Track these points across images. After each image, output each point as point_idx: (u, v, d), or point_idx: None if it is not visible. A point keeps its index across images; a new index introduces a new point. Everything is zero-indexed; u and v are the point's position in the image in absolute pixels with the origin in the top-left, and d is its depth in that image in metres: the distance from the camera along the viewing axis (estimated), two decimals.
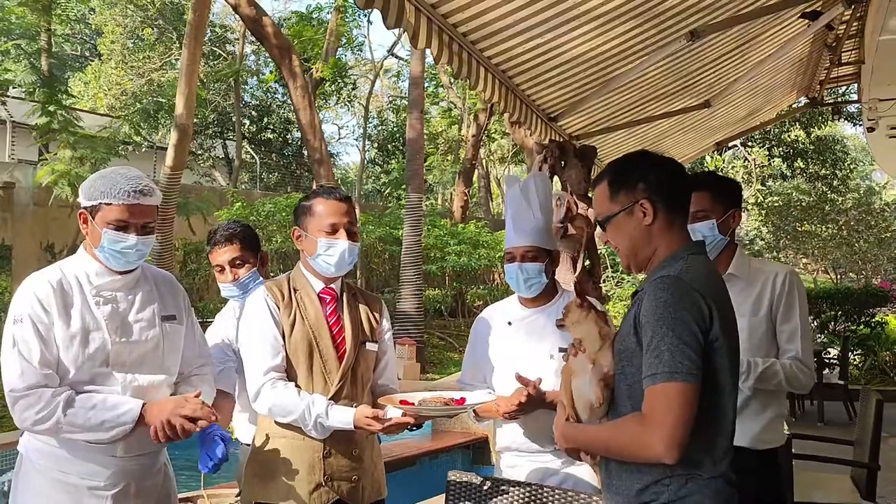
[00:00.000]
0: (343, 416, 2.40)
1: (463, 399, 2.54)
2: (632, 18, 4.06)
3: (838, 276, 20.76)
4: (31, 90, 16.01)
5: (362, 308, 2.68)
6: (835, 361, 9.11)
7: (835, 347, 9.97)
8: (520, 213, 2.87)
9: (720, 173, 4.36)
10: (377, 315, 2.71)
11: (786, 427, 3.11)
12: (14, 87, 17.71)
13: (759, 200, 22.08)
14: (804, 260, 23.72)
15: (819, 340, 10.86)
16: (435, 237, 15.91)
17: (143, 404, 2.30)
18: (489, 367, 2.88)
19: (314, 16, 22.55)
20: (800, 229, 20.15)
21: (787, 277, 2.93)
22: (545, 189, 2.96)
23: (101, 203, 2.33)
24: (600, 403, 1.90)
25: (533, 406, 2.61)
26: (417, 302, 13.36)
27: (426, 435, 4.83)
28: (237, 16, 17.28)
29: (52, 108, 13.74)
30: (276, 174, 29.73)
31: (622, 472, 1.85)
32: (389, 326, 2.78)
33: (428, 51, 3.34)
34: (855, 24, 6.03)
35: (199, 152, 26.23)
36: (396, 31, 3.34)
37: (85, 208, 2.37)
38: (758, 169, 21.25)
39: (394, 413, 2.43)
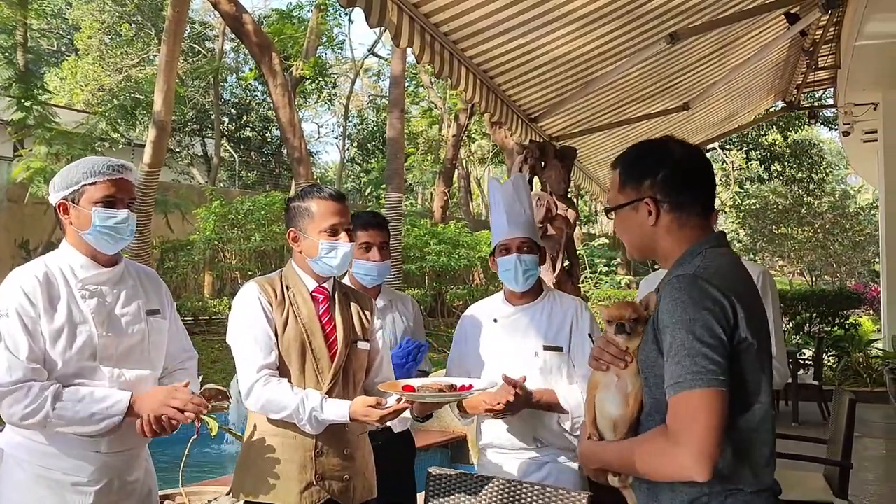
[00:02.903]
0: (338, 410, 2.37)
1: (470, 386, 2.50)
2: (612, 20, 4.09)
3: (813, 279, 21.04)
4: (7, 85, 15.79)
5: (354, 307, 2.65)
6: (809, 362, 9.23)
7: (809, 349, 10.10)
8: (513, 206, 2.89)
9: None
10: (368, 314, 2.67)
11: None
12: None
13: (736, 203, 22.32)
14: (780, 262, 24.00)
15: (794, 342, 10.99)
16: (415, 237, 15.91)
17: (132, 395, 2.28)
18: (474, 363, 2.88)
19: (294, 14, 22.48)
20: (776, 232, 20.39)
21: (761, 277, 2.95)
22: (528, 188, 3.04)
23: (83, 185, 2.32)
24: (626, 421, 1.78)
25: (519, 405, 2.62)
26: None
27: None
28: (217, 12, 17.14)
29: (27, 104, 13.55)
30: (255, 172, 29.59)
31: (658, 493, 1.71)
32: (382, 325, 2.76)
33: (409, 50, 3.35)
34: (832, 28, 6.12)
35: (178, 150, 26.06)
36: (377, 30, 3.35)
37: (64, 198, 2.34)
38: (735, 172, 21.46)
39: (393, 400, 2.41)
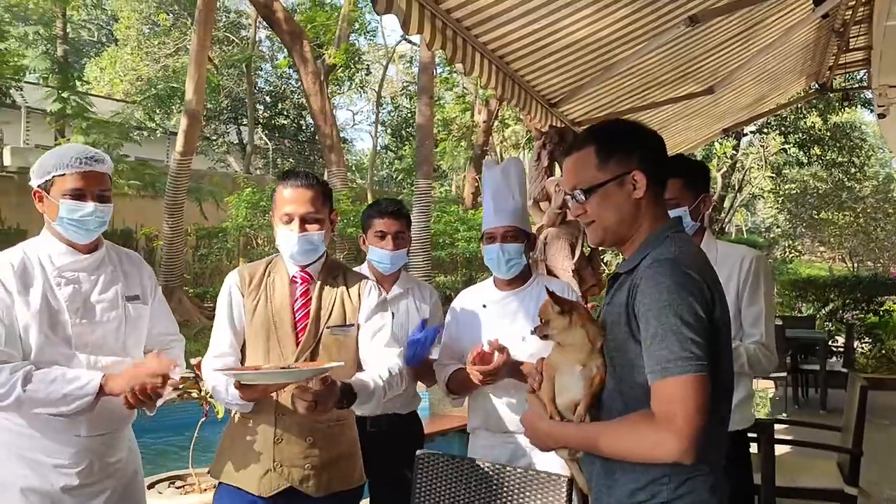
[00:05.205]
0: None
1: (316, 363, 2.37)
2: (630, 3, 4.04)
3: (855, 265, 20.60)
4: (46, 76, 16.13)
5: (339, 291, 2.57)
6: (841, 350, 9.08)
7: (842, 336, 9.94)
8: (500, 194, 2.89)
9: (694, 158, 4.35)
10: (356, 296, 2.57)
11: (756, 411, 3.13)
12: (30, 73, 17.85)
13: (774, 188, 21.92)
14: (821, 248, 23.55)
15: (827, 328, 10.82)
16: (444, 223, 15.93)
17: (104, 375, 2.31)
18: (464, 348, 2.89)
19: (327, 1, 22.53)
20: (816, 217, 20.01)
21: (754, 262, 2.92)
22: (521, 173, 2.99)
23: (53, 176, 2.35)
24: (587, 404, 1.79)
25: (506, 372, 2.65)
26: None
27: (423, 419, 4.87)
28: (249, 1, 17.27)
29: (65, 95, 13.84)
30: (290, 160, 29.82)
31: (615, 471, 1.72)
32: (377, 302, 2.60)
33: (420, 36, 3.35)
34: (861, 9, 5.96)
35: (214, 138, 26.37)
36: None
37: (39, 187, 2.38)
38: (773, 156, 21.06)
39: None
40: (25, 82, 17.80)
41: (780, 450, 3.95)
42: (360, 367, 2.55)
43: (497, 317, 2.88)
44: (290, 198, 2.49)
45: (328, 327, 2.50)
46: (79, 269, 2.42)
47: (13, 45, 16.82)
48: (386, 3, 2.91)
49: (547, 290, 2.01)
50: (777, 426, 4.10)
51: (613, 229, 1.82)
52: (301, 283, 2.55)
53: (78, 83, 15.49)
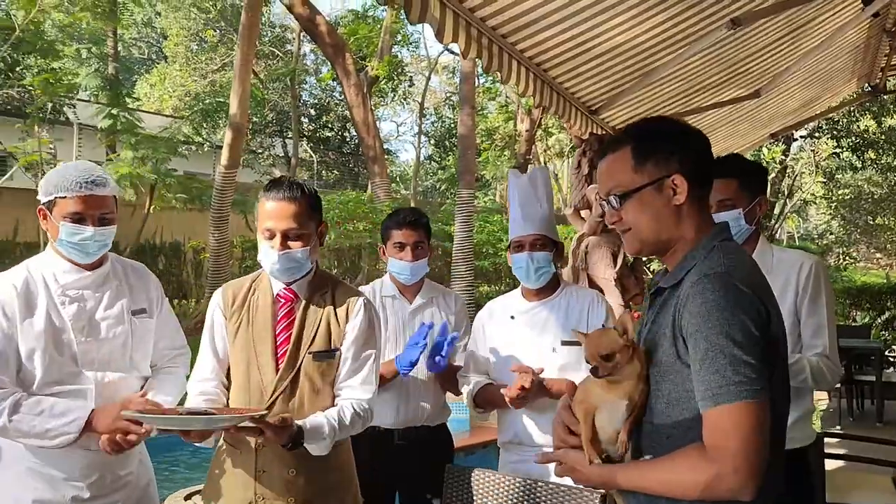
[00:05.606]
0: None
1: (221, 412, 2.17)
2: (669, 7, 3.97)
3: None
4: (97, 93, 16.56)
5: (325, 312, 2.36)
6: None
7: None
8: (527, 202, 2.84)
9: (758, 161, 4.22)
10: (343, 317, 2.37)
11: (816, 425, 2.98)
12: (82, 91, 18.37)
13: (826, 193, 21.39)
14: (877, 254, 22.88)
15: (883, 338, 10.47)
16: (488, 233, 15.88)
17: (92, 411, 2.28)
18: (491, 360, 2.86)
19: (369, 13, 22.75)
20: (872, 223, 19.45)
21: (813, 268, 2.74)
22: (548, 182, 2.94)
23: (55, 197, 2.34)
24: (630, 430, 1.64)
25: (535, 394, 2.60)
26: (469, 298, 13.37)
27: (464, 431, 4.83)
28: (293, 16, 17.52)
29: (115, 111, 14.18)
30: (335, 172, 30.13)
31: None
32: (363, 326, 2.38)
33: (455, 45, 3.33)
34: None
35: (260, 151, 26.78)
36: None
37: (43, 204, 2.38)
38: (824, 161, 20.55)
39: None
40: (78, 100, 18.34)
41: (831, 465, 3.81)
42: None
43: (526, 328, 2.83)
44: (272, 212, 2.30)
45: (310, 353, 2.32)
46: (83, 287, 2.41)
47: (67, 65, 17.35)
48: (420, 12, 2.89)
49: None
50: (829, 440, 3.96)
51: (652, 238, 1.67)
52: (285, 303, 2.38)
53: (128, 100, 15.86)
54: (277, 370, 2.30)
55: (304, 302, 2.37)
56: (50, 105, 14.01)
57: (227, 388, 2.39)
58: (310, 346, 2.32)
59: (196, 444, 2.20)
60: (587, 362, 1.64)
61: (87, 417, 2.27)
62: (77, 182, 2.32)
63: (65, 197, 2.32)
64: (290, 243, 2.29)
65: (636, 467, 1.61)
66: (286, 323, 2.34)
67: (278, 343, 2.32)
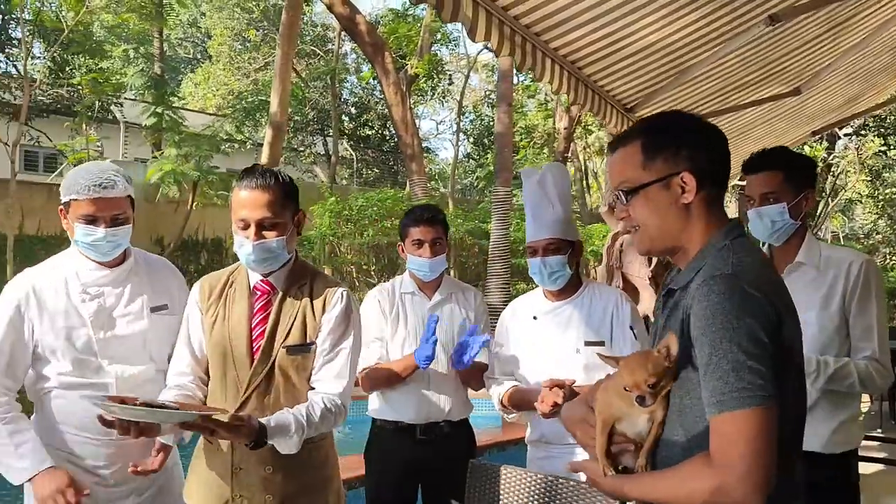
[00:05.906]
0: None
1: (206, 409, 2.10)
2: (705, 4, 3.95)
3: None
4: (143, 92, 16.94)
5: (302, 304, 2.29)
6: None
7: None
8: (538, 205, 2.82)
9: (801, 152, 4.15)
10: (320, 308, 2.30)
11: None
12: (129, 90, 18.81)
13: (872, 192, 20.90)
14: None
15: None
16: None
17: (44, 470, 2.29)
18: (515, 361, 2.86)
19: (409, 12, 22.84)
20: None
21: (864, 266, 2.65)
22: (562, 180, 2.89)
23: (70, 199, 2.38)
24: (650, 449, 1.60)
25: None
26: (505, 296, 13.33)
27: (497, 427, 4.87)
28: (334, 15, 17.69)
29: (160, 109, 14.48)
30: (375, 169, 30.30)
31: None
32: (339, 318, 2.30)
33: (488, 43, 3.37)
34: None
35: (301, 149, 27.06)
36: None
37: (62, 205, 2.42)
38: (869, 159, 20.07)
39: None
40: (125, 98, 18.77)
41: (870, 468, 3.75)
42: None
43: (549, 328, 2.82)
44: (245, 201, 2.22)
45: (284, 347, 2.25)
46: (103, 284, 2.46)
47: (115, 64, 17.79)
48: (452, 10, 2.93)
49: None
50: (869, 443, 3.89)
51: (659, 237, 1.63)
52: (261, 295, 2.31)
53: (173, 98, 16.21)
54: (252, 365, 2.24)
55: (280, 294, 2.31)
56: (98, 104, 14.38)
57: (207, 384, 2.35)
58: (284, 339, 2.26)
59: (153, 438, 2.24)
60: (626, 390, 1.56)
61: (34, 473, 2.29)
62: (87, 185, 2.34)
63: (77, 199, 2.36)
64: (265, 233, 2.23)
65: (644, 477, 1.58)
66: (262, 316, 2.28)
67: (254, 337, 2.27)
